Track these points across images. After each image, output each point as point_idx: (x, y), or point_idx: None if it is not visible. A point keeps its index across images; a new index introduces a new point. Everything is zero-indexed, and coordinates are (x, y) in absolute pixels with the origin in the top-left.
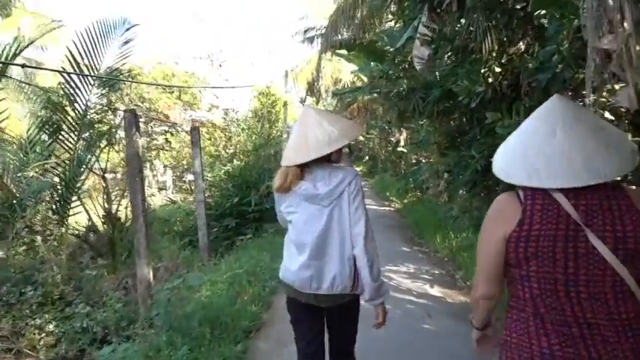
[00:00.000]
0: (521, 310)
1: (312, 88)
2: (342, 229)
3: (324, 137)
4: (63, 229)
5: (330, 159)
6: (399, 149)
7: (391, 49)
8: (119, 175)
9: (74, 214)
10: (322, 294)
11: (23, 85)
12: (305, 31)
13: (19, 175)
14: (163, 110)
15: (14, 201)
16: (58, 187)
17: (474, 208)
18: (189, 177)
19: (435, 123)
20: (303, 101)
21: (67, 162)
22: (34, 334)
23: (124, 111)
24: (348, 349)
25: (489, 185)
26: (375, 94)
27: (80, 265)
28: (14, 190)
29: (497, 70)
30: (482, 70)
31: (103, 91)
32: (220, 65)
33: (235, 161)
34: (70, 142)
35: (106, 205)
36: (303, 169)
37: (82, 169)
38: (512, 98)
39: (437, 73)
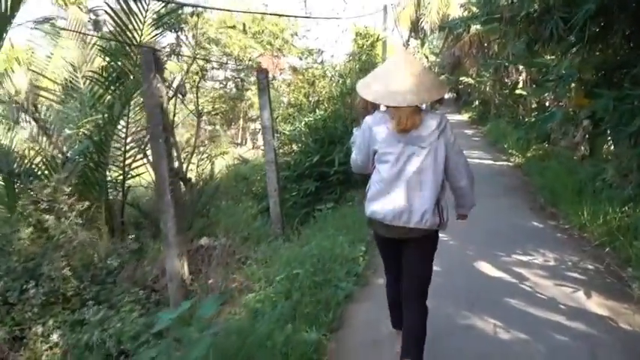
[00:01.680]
0: None
1: (416, 28)
2: (437, 170)
3: (433, 83)
4: (87, 203)
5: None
6: (518, 91)
7: None
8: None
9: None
10: (410, 227)
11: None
12: None
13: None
14: (254, 58)
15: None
16: (91, 148)
17: None
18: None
19: (581, 52)
20: (407, 44)
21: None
22: (38, 342)
23: (139, 46)
24: (421, 289)
25: None
26: (495, 23)
27: (121, 246)
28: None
29: None
30: None
31: (157, 31)
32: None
33: (318, 111)
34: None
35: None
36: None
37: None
38: None
39: None
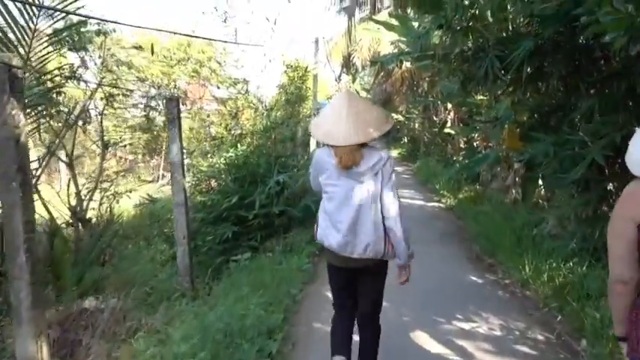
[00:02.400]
0: None
1: (348, 64)
2: (376, 203)
3: (374, 121)
4: None
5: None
6: (446, 130)
7: None
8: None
9: None
10: (354, 257)
11: None
12: (341, 1)
13: None
14: (178, 87)
15: None
16: None
17: (584, 222)
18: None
19: (517, 93)
20: (338, 79)
21: None
22: None
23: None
24: (374, 311)
25: (609, 189)
26: (428, 60)
27: None
28: None
29: None
30: None
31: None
32: (234, 28)
33: (240, 146)
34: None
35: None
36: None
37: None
38: None
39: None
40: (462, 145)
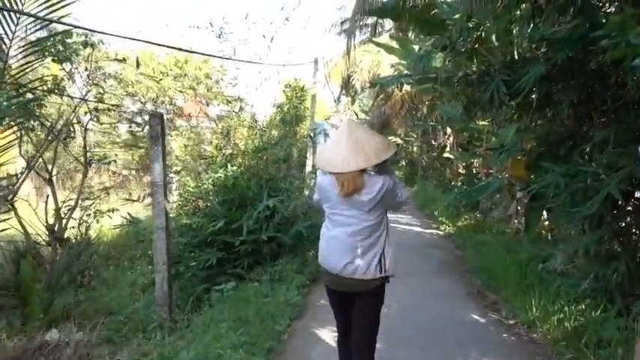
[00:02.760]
0: None
1: (347, 85)
2: (378, 229)
3: (374, 148)
4: None
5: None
6: (445, 155)
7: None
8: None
9: None
10: (351, 282)
11: None
12: (342, 23)
13: None
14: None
15: None
16: None
17: (597, 260)
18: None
19: (524, 120)
20: (337, 100)
21: None
22: None
23: None
24: (368, 337)
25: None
26: (429, 83)
27: None
28: None
29: None
30: None
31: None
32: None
33: (230, 166)
34: None
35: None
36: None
37: None
38: None
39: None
40: (460, 170)
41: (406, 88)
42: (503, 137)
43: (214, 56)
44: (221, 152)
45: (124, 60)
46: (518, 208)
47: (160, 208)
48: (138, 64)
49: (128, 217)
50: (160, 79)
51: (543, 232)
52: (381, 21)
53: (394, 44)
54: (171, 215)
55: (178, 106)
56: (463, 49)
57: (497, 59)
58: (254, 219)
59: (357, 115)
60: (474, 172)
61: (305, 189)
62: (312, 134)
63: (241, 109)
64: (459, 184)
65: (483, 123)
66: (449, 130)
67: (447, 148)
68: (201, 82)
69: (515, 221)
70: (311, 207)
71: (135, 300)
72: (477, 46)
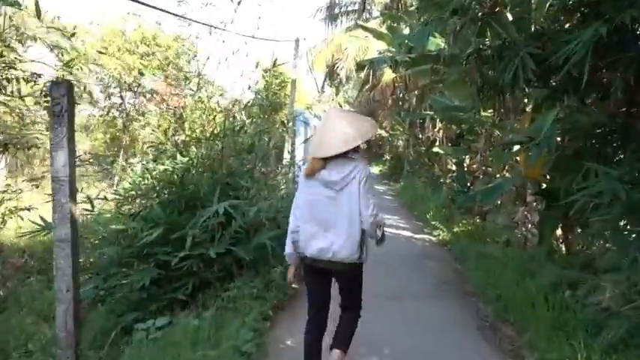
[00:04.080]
0: None
1: (332, 74)
2: (351, 209)
3: (341, 137)
4: None
5: (347, 153)
6: (435, 149)
7: None
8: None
9: None
10: (332, 260)
11: None
12: (328, 8)
13: None
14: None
15: None
16: None
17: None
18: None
19: (562, 107)
20: (321, 91)
21: None
22: None
23: None
24: (356, 303)
25: None
26: (428, 64)
27: None
28: None
29: None
30: None
31: None
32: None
33: (180, 157)
34: None
35: None
36: (326, 160)
37: None
38: None
39: None
40: (449, 167)
41: (393, 72)
42: (536, 128)
43: (167, 12)
44: (170, 139)
45: (73, 35)
46: (528, 215)
47: (64, 213)
48: (38, 12)
49: (41, 221)
50: (121, 55)
51: (555, 242)
52: (368, 7)
53: (384, 30)
54: (107, 216)
55: (150, 88)
56: (479, 13)
57: (520, 30)
58: (201, 227)
59: (340, 106)
60: (466, 169)
61: (280, 186)
62: (289, 122)
63: (199, 87)
64: (449, 181)
65: (485, 114)
66: (439, 124)
67: (437, 143)
68: (170, 61)
69: (524, 229)
70: (280, 211)
71: (37, 332)
72: (496, 10)
